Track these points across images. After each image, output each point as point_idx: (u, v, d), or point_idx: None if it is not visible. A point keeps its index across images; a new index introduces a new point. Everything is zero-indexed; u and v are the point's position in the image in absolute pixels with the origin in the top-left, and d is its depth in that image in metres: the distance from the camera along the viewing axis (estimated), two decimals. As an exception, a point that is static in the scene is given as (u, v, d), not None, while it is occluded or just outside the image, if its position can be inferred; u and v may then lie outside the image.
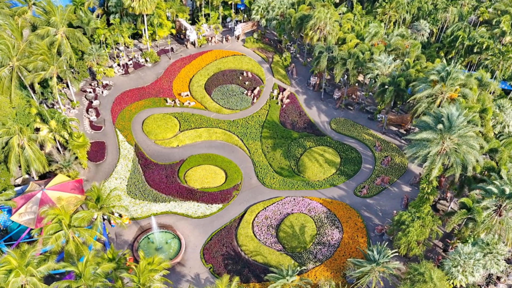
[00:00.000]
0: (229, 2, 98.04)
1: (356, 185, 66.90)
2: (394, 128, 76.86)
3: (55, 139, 63.79)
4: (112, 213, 56.23)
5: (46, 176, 62.76)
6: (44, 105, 73.60)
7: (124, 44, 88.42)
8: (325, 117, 79.30)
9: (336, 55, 76.53)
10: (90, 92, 79.79)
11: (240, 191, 65.95)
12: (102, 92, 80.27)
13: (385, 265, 48.38)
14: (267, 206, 63.15)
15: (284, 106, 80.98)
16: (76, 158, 64.61)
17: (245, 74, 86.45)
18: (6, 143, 58.13)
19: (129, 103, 78.88)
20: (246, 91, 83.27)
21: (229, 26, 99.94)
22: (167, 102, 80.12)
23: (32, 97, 69.17)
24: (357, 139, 74.35)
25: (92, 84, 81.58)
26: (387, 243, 51.89)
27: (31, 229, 53.44)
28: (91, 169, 67.48)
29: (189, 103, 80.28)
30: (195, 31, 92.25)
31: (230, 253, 57.61)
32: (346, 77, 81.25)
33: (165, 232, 59.92)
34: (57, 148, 65.84)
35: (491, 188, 51.28)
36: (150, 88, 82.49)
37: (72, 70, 77.52)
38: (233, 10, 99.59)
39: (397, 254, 52.15)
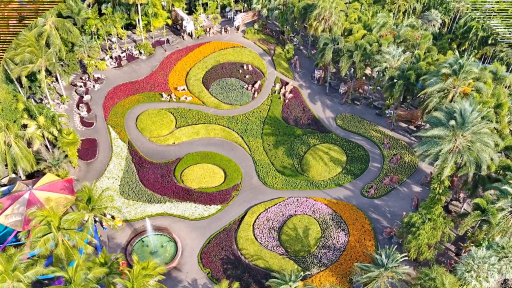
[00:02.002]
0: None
1: (363, 185, 66.76)
2: (404, 125, 76.67)
3: (43, 136, 63.62)
4: (104, 215, 56.14)
5: (34, 176, 62.64)
6: (32, 100, 73.46)
7: (117, 35, 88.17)
8: (330, 113, 79.12)
9: (342, 47, 76.31)
10: (80, 86, 79.67)
11: (240, 192, 65.83)
12: (94, 86, 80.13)
13: (394, 270, 48.23)
14: (269, 207, 63.04)
15: (286, 101, 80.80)
16: (66, 156, 64.46)
17: (245, 67, 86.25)
18: (-8, 141, 58.05)
19: (122, 98, 78.75)
20: (246, 85, 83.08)
21: (228, 16, 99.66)
22: (162, 97, 79.97)
23: (19, 92, 69.03)
24: (364, 136, 74.18)
25: (83, 77, 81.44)
26: (396, 246, 51.64)
27: (18, 232, 53.31)
28: (81, 168, 67.39)
29: (185, 98, 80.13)
30: (192, 21, 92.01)
31: (230, 257, 57.54)
32: (352, 70, 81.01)
33: (161, 235, 59.83)
34: (46, 146, 65.71)
35: (506, 188, 51.13)
36: (145, 82, 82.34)
37: (62, 63, 77.33)
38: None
39: (406, 258, 51.89)
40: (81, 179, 65.39)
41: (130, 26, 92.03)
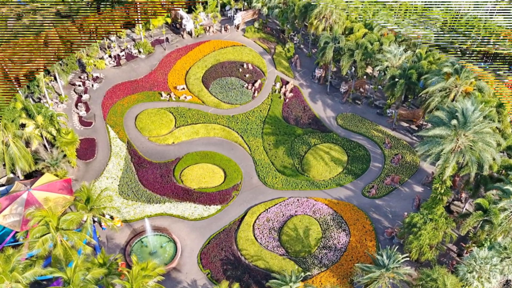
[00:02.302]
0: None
1: (364, 185, 66.68)
2: (405, 124, 76.57)
3: (42, 136, 63.61)
4: (103, 215, 56.11)
5: (32, 176, 62.56)
6: (30, 99, 73.36)
7: (116, 34, 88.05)
8: (331, 112, 79.02)
9: (343, 45, 76.20)
10: (79, 85, 79.58)
11: (240, 192, 65.76)
12: (92, 85, 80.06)
13: (395, 271, 48.19)
14: (269, 208, 62.96)
15: (287, 100, 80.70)
16: (65, 156, 64.40)
17: (245, 66, 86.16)
18: (-10, 140, 58.03)
19: (121, 97, 78.66)
20: (246, 84, 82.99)
21: (228, 15, 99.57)
22: (161, 96, 79.90)
23: (17, 91, 68.91)
24: (365, 135, 74.08)
25: (82, 76, 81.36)
26: (397, 247, 51.66)
27: (16, 232, 53.27)
28: (80, 168, 67.32)
29: (185, 97, 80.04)
30: (191, 20, 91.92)
31: (230, 258, 57.47)
32: (353, 69, 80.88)
33: (160, 235, 59.76)
34: (44, 146, 65.66)
35: (509, 188, 51.08)
36: (144, 81, 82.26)
37: (60, 62, 77.20)
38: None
39: (408, 259, 51.90)
40: (79, 179, 65.32)
41: (129, 25, 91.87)
